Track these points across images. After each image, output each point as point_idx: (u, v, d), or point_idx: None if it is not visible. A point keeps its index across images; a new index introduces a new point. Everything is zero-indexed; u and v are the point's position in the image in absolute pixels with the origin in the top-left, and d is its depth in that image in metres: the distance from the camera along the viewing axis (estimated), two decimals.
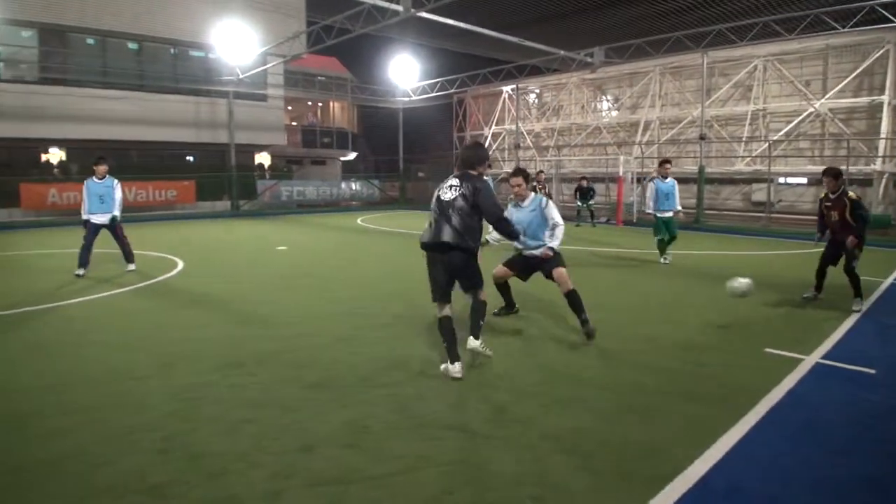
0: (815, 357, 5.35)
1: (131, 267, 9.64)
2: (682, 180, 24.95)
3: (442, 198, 4.83)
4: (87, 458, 3.38)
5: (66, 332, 6.15)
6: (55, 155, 23.04)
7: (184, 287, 8.53)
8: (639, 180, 23.36)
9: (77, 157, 22.32)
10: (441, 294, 4.92)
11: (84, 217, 9.35)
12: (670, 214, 10.55)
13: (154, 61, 23.79)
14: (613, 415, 4.06)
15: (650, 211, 10.63)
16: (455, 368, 4.70)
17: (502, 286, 6.72)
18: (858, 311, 7.07)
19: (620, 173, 20.70)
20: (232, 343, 5.69)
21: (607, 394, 4.45)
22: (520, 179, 6.12)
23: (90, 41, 22.43)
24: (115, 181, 9.53)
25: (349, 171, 36.24)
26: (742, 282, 6.36)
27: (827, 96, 20.89)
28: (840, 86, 20.56)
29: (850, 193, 7.22)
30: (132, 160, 23.99)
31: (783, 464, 3.39)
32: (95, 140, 21.54)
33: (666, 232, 10.53)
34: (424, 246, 4.91)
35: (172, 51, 24.16)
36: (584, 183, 19.51)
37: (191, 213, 22.46)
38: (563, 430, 3.78)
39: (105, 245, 9.71)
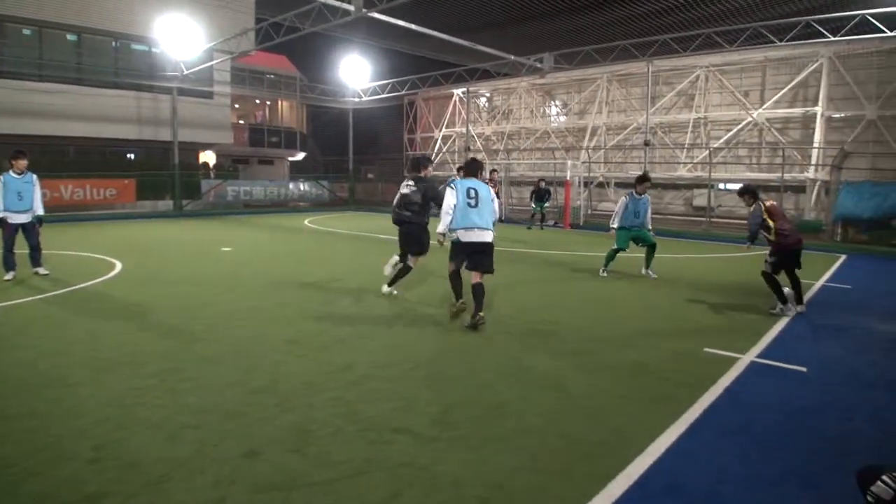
0: (750, 356, 5.56)
1: (44, 271, 9.01)
2: (627, 185, 25.66)
3: (403, 192, 7.51)
4: (16, 469, 3.22)
5: None
6: None
7: (122, 290, 8.23)
8: (586, 184, 23.82)
9: (9, 154, 21.23)
10: (402, 253, 7.74)
11: None
12: (639, 228, 9.95)
13: (94, 54, 22.90)
14: (557, 415, 4.11)
15: (614, 226, 9.92)
16: (385, 289, 7.87)
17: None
18: (773, 313, 7.38)
19: (568, 177, 21.06)
20: (173, 347, 5.53)
21: (552, 394, 4.52)
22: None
23: (26, 31, 21.44)
24: (35, 177, 8.90)
25: (298, 171, 35.75)
26: None
27: (764, 106, 21.76)
28: (777, 97, 21.45)
29: (761, 205, 7.49)
30: (69, 157, 23.05)
31: (719, 460, 3.51)
32: (30, 135, 20.59)
33: (626, 244, 9.92)
34: (397, 222, 7.62)
35: (114, 44, 23.32)
36: (542, 184, 19.46)
37: (131, 213, 21.72)
38: (507, 431, 3.82)
39: (44, 245, 9.26)
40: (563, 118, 28.84)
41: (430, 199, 7.40)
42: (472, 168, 6.76)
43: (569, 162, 22.49)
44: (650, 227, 10.17)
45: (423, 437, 3.72)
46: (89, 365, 4.95)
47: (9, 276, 8.54)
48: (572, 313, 7.34)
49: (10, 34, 21.09)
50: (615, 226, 9.95)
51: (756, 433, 3.90)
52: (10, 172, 8.73)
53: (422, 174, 7.46)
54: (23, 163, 8.82)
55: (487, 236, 6.48)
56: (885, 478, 2.34)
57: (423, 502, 2.97)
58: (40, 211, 8.93)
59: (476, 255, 6.46)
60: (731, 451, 3.63)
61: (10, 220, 8.65)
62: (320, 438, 3.66)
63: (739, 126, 22.32)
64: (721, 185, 23.00)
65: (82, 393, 4.34)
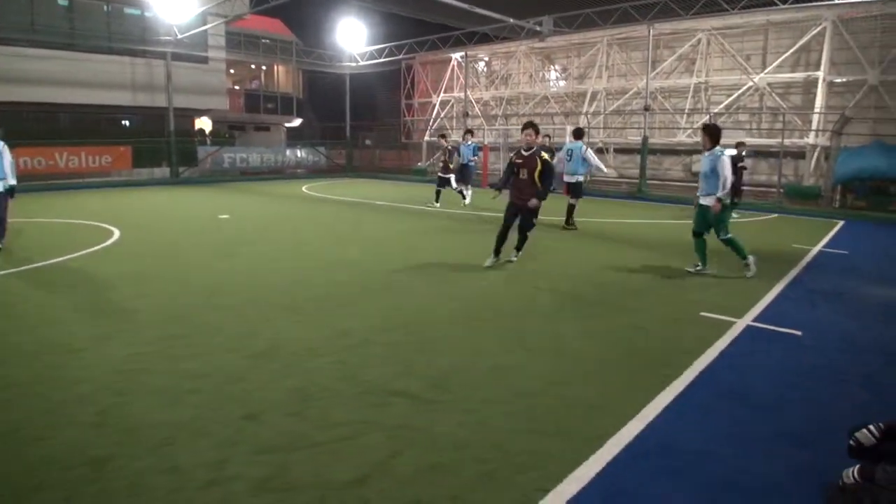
0: (746, 320, 5.60)
1: None
2: (626, 151, 25.53)
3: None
4: (21, 434, 3.26)
5: None
6: None
7: (120, 257, 8.24)
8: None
9: (2, 121, 21.04)
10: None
11: None
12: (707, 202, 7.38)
13: (86, 19, 22.47)
14: (555, 377, 4.16)
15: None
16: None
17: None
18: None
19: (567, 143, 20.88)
20: (173, 313, 5.55)
21: (549, 357, 4.56)
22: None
23: None
24: (3, 144, 8.48)
25: (294, 137, 35.43)
26: None
27: (766, 71, 21.50)
28: (778, 61, 21.17)
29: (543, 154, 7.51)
30: (63, 124, 22.81)
31: (714, 421, 3.57)
32: (24, 102, 20.34)
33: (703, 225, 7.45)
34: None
35: (106, 8, 22.88)
36: (548, 141, 18.97)
37: (127, 181, 21.57)
38: (505, 394, 3.87)
39: (41, 213, 9.23)
40: (562, 83, 28.50)
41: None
42: (577, 133, 11.79)
43: (568, 127, 22.30)
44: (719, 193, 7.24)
45: (421, 399, 3.77)
46: (90, 332, 4.99)
47: None
48: (567, 278, 7.36)
49: None
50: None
51: (751, 395, 3.96)
52: None
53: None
54: None
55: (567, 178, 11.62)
56: (870, 426, 2.46)
57: (422, 462, 3.02)
58: (13, 181, 8.57)
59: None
60: (725, 413, 3.68)
61: None
62: (320, 401, 3.71)
63: (740, 91, 22.07)
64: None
65: (84, 359, 4.37)
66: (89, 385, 3.90)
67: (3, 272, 7.13)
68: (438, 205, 14.77)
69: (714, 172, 7.15)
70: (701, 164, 7.44)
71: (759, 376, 4.29)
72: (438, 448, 3.16)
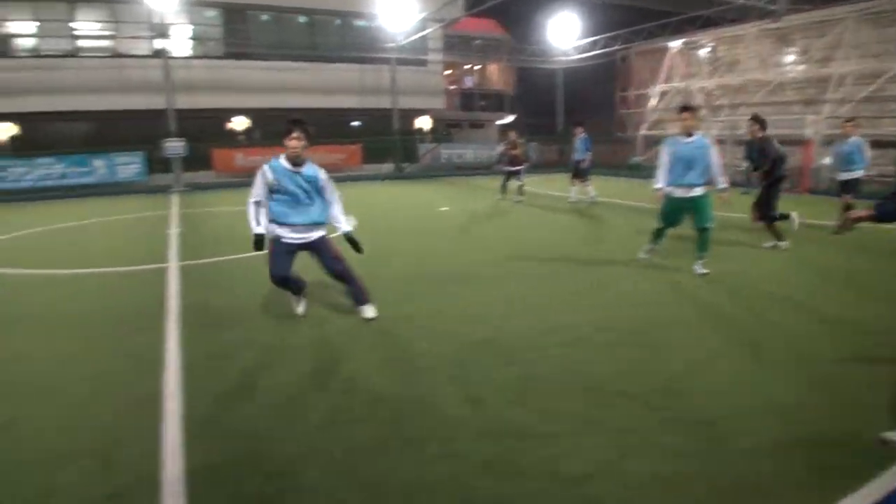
0: None
1: None
2: (881, 144, 22.13)
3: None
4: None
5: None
6: (240, 123, 25.37)
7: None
8: (829, 143, 20.96)
9: (259, 124, 24.58)
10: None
11: None
12: (697, 192, 6.73)
13: (323, 33, 25.34)
14: (802, 388, 3.70)
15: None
16: None
17: None
18: None
19: (810, 135, 18.60)
20: (407, 291, 5.95)
21: (792, 367, 4.07)
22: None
23: (265, 17, 24.40)
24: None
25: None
26: None
27: None
28: None
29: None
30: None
31: None
32: (274, 108, 23.39)
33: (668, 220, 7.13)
34: None
35: (338, 22, 25.55)
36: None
37: (357, 175, 23.72)
38: (744, 408, 3.50)
39: None
40: (800, 67, 25.52)
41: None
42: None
43: (808, 118, 19.92)
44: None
45: (647, 404, 3.57)
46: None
47: None
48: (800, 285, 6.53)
49: (253, 20, 24.16)
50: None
51: None
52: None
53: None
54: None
55: None
56: None
57: (648, 472, 2.86)
58: None
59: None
60: None
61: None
62: (542, 394, 3.73)
63: None
64: None
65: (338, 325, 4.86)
66: (312, 348, 4.34)
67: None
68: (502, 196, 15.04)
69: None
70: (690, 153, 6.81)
71: None
72: (665, 460, 2.96)
